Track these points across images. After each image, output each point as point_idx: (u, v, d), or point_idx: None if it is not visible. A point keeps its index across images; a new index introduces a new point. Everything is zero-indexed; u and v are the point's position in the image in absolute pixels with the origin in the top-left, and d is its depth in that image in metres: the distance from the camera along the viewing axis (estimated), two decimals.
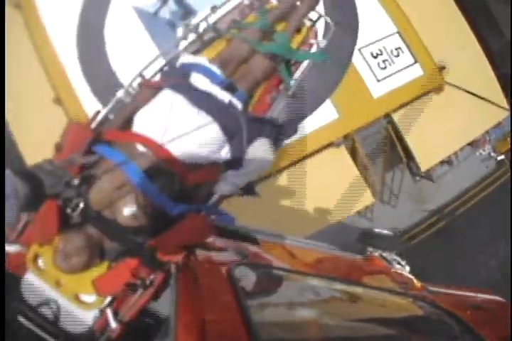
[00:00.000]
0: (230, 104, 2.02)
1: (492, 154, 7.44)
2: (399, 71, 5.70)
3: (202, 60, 2.18)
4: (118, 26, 5.35)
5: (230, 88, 2.09)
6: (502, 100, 5.94)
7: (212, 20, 2.61)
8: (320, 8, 2.89)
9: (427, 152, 5.90)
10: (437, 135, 5.79)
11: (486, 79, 6.04)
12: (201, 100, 1.90)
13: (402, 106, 5.75)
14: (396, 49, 5.69)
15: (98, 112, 1.98)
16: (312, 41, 2.77)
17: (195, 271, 1.60)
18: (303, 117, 5.42)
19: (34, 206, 1.57)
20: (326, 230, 6.37)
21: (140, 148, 1.73)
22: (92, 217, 1.58)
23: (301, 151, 5.43)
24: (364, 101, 5.60)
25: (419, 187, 7.30)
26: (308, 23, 2.78)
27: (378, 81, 5.64)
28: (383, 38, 5.68)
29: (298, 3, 2.66)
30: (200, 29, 2.58)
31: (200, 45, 2.59)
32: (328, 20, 2.82)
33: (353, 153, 5.84)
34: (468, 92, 5.85)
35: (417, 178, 7.22)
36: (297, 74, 2.64)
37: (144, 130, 1.78)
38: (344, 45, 5.58)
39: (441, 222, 7.27)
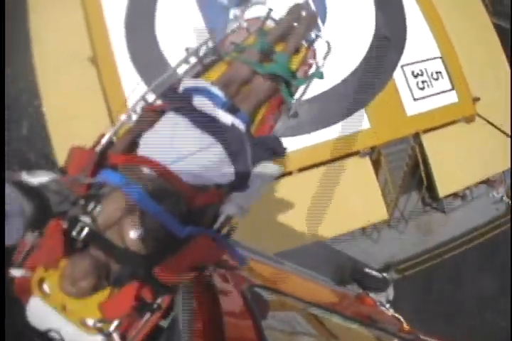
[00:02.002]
0: (233, 125, 2.07)
1: (504, 198, 7.65)
2: (435, 94, 5.93)
3: (203, 82, 2.26)
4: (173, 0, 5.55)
5: (232, 110, 2.15)
6: None
7: (212, 43, 2.71)
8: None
9: (447, 178, 6.05)
10: (460, 163, 5.97)
11: None
12: (204, 122, 1.96)
13: (432, 128, 5.95)
14: (437, 73, 5.95)
15: (103, 136, 2.01)
16: (311, 61, 2.87)
17: (213, 290, 1.67)
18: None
19: (40, 224, 1.60)
20: (329, 245, 6.45)
21: (145, 170, 1.77)
22: (99, 240, 1.61)
23: (326, 154, 5.53)
24: (397, 117, 5.79)
25: (429, 218, 7.41)
26: (306, 44, 2.90)
27: (414, 100, 5.86)
28: (426, 60, 5.95)
29: (295, 24, 2.79)
30: (201, 52, 2.66)
31: (202, 69, 2.68)
32: (327, 39, 2.94)
33: (376, 166, 5.96)
34: (497, 128, 6.09)
35: (428, 208, 7.36)
36: (298, 94, 2.70)
37: (148, 152, 1.82)
38: (388, 59, 5.84)
39: (441, 257, 7.33)
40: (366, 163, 5.76)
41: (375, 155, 5.97)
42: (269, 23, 2.91)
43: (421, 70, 5.92)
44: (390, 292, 5.49)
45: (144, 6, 5.59)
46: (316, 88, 5.53)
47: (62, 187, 1.71)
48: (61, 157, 5.12)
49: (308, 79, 2.76)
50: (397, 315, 3.26)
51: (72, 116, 5.24)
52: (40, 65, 5.49)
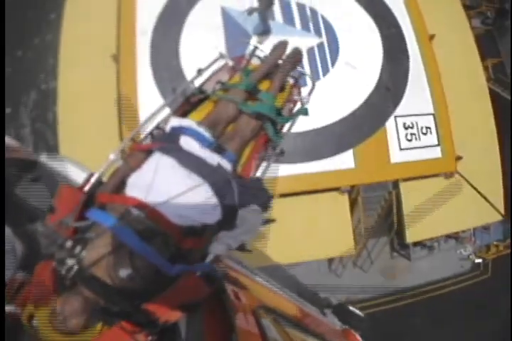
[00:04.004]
0: (219, 165, 2.15)
1: (471, 256, 8.34)
2: (421, 147, 6.62)
3: (190, 122, 2.33)
4: (202, 15, 6.34)
5: (218, 150, 2.25)
6: (500, 204, 6.92)
7: (198, 82, 2.86)
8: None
9: (417, 226, 6.68)
10: (432, 215, 6.61)
11: (494, 184, 7.03)
12: (191, 162, 2.03)
13: (411, 178, 6.63)
14: (426, 128, 6.67)
15: (92, 175, 2.09)
16: (296, 98, 3.03)
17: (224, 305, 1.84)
18: None
19: (30, 265, 1.69)
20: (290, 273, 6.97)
21: (133, 210, 1.82)
22: (88, 279, 1.65)
23: (309, 185, 6.16)
24: (381, 162, 6.44)
25: (394, 264, 8.04)
26: (291, 81, 3.09)
27: (400, 149, 6.53)
28: (419, 115, 6.68)
29: (280, 62, 2.96)
30: (188, 92, 2.78)
31: (189, 108, 2.76)
32: (311, 77, 3.20)
33: (353, 204, 6.61)
34: (473, 188, 6.80)
35: (395, 254, 7.99)
36: (283, 131, 2.83)
37: (136, 192, 1.86)
38: (384, 108, 6.58)
39: (398, 303, 7.90)
40: (344, 199, 6.39)
41: (354, 194, 6.64)
42: (255, 61, 3.09)
43: (412, 123, 6.63)
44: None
45: (174, 18, 6.30)
46: (312, 123, 6.24)
47: (49, 230, 1.80)
48: (65, 148, 5.74)
49: (293, 116, 2.90)
50: None
51: (83, 108, 5.85)
52: (65, 54, 6.14)
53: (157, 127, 2.55)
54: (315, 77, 6.42)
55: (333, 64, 6.55)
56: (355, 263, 7.58)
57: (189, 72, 6.00)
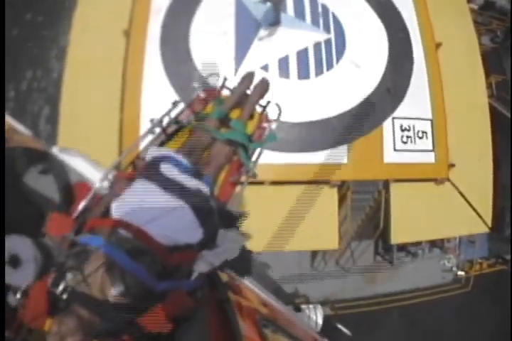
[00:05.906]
0: (198, 188, 2.34)
1: (454, 268, 8.41)
2: (415, 151, 6.78)
3: (168, 151, 2.56)
4: (216, 1, 6.58)
5: (196, 175, 2.43)
6: (488, 216, 7.05)
7: (174, 114, 3.10)
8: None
9: (403, 228, 6.77)
10: (419, 218, 6.72)
11: (484, 196, 7.16)
12: (172, 186, 2.21)
13: (402, 180, 6.76)
14: (423, 132, 6.83)
15: (79, 203, 2.21)
16: (265, 125, 3.36)
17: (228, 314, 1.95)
18: None
19: (46, 271, 1.77)
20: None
21: (121, 232, 1.95)
22: (82, 298, 1.73)
23: (299, 175, 6.28)
24: (374, 161, 6.59)
25: (376, 267, 8.12)
26: (259, 109, 3.40)
27: (394, 150, 6.68)
28: (417, 119, 6.85)
29: (248, 92, 3.25)
30: (164, 123, 3.03)
31: (165, 138, 3.05)
32: (278, 104, 3.46)
33: (342, 200, 6.71)
34: (463, 197, 6.92)
35: (379, 258, 8.08)
36: (255, 156, 3.15)
37: (121, 215, 2.01)
38: (383, 109, 6.74)
39: (376, 307, 7.96)
40: (333, 193, 6.50)
41: (344, 190, 6.74)
42: (225, 92, 3.40)
43: (409, 126, 6.79)
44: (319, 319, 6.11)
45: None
46: (310, 115, 6.40)
47: (54, 242, 1.90)
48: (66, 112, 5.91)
49: (263, 142, 3.23)
50: None
51: (89, 75, 6.01)
52: (77, 26, 6.32)
53: (137, 157, 2.75)
54: (318, 71, 6.65)
55: (337, 60, 6.74)
56: (337, 261, 7.65)
57: (196, 54, 6.20)
